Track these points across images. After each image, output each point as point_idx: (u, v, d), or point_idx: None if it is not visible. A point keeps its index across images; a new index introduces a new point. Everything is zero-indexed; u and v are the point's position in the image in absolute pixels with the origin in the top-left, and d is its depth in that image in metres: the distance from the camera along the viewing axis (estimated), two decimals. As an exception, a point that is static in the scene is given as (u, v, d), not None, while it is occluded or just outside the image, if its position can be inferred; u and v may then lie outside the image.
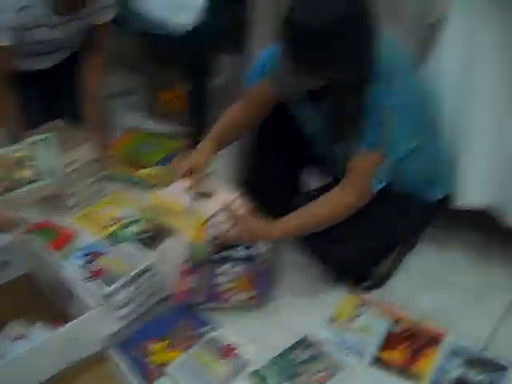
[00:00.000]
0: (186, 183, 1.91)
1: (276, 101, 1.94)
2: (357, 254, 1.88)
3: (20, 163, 1.83)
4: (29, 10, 2.18)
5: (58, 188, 1.85)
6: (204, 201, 1.85)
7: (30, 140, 1.93)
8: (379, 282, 2.05)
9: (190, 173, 1.92)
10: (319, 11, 1.55)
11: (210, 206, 1.84)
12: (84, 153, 2.36)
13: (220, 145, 1.98)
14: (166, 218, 1.84)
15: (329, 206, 1.80)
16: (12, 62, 2.34)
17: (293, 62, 1.62)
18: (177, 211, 1.81)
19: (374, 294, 2.04)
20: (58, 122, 2.43)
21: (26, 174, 1.83)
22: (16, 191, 1.82)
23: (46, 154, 1.91)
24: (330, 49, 1.57)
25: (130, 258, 2.08)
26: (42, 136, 1.86)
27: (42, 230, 2.22)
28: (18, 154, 1.84)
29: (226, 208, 1.84)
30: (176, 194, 1.90)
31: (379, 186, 1.78)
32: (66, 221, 2.34)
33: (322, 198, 1.80)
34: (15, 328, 1.84)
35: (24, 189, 1.85)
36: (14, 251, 1.90)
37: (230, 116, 2.01)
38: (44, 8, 2.21)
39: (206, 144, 1.96)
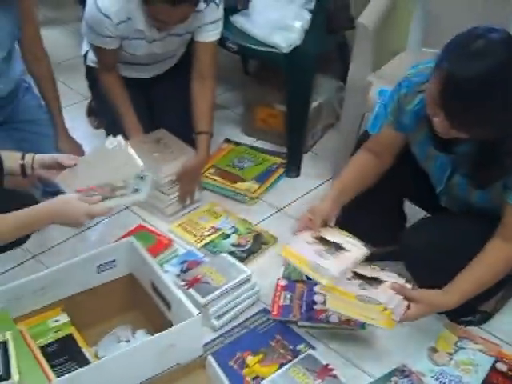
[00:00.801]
0: (308, 236, 1.88)
1: (404, 146, 1.90)
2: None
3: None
4: (129, 22, 2.21)
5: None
6: (373, 288, 1.80)
7: None
8: (483, 319, 2.00)
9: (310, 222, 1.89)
10: (477, 61, 1.49)
11: (382, 292, 1.79)
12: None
13: (346, 195, 1.95)
14: (344, 310, 1.80)
15: (503, 261, 1.75)
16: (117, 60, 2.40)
17: (448, 115, 1.56)
18: (351, 301, 1.77)
19: (477, 329, 1.99)
20: (161, 132, 2.47)
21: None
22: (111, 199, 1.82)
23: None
24: (489, 103, 1.51)
25: (227, 268, 2.09)
26: None
27: (142, 233, 2.25)
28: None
29: (395, 290, 1.79)
30: (301, 247, 1.86)
31: None
32: (164, 227, 2.37)
33: (487, 254, 1.74)
34: (120, 332, 1.88)
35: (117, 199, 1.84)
36: (120, 252, 1.92)
37: (358, 165, 1.97)
38: (143, 23, 2.24)
39: (330, 194, 1.93)
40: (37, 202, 1.84)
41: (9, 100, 2.30)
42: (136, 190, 1.82)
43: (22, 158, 1.82)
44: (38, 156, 1.83)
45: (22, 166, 1.81)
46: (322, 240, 1.87)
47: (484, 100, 1.50)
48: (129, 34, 2.27)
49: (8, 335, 1.66)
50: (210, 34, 2.36)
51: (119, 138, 1.86)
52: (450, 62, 1.52)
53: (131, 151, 1.84)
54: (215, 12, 2.31)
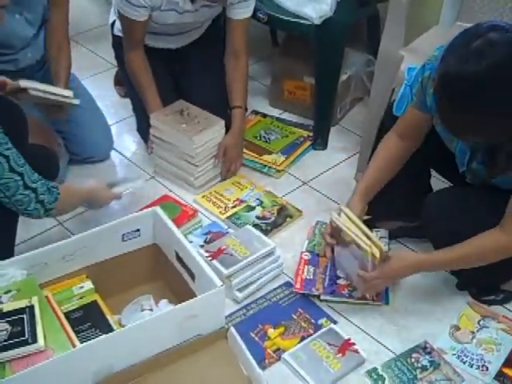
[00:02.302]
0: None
1: (431, 126, 1.88)
2: (488, 268, 1.79)
3: None
4: None
5: None
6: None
7: None
8: (506, 298, 1.98)
9: None
10: (471, 63, 1.43)
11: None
12: (216, 134, 2.38)
13: (372, 192, 1.95)
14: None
15: (494, 250, 1.73)
16: (145, 36, 2.38)
17: (440, 114, 1.55)
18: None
19: (500, 308, 1.97)
20: (182, 103, 2.44)
21: None
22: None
23: None
24: (479, 107, 1.46)
25: (251, 241, 2.09)
26: None
27: (168, 203, 2.25)
28: None
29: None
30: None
31: None
32: (189, 198, 2.37)
33: (481, 238, 1.73)
34: (144, 301, 1.89)
35: None
36: (145, 221, 1.93)
37: (383, 156, 1.95)
38: None
39: (358, 194, 1.93)
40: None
41: (37, 68, 2.31)
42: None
43: None
44: None
45: None
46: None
47: (474, 104, 1.46)
48: (161, 5, 2.26)
49: (34, 300, 1.68)
50: (243, 11, 2.36)
51: None
52: (446, 60, 1.48)
53: None
54: None
